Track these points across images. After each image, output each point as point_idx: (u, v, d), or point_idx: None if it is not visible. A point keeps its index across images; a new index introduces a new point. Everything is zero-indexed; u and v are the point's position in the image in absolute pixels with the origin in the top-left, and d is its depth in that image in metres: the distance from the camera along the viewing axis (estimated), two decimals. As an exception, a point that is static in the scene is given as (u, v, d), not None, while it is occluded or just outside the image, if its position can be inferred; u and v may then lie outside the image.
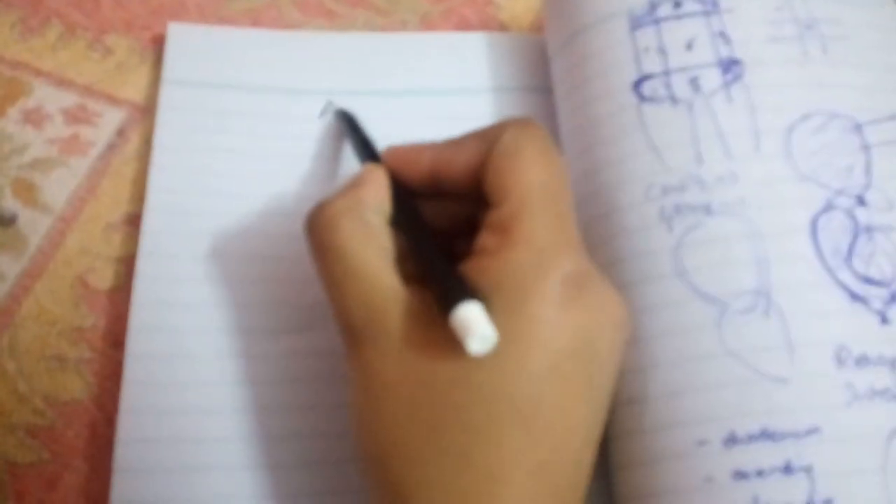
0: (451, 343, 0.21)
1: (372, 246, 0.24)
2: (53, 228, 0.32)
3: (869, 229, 0.26)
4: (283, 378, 0.29)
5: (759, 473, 0.24)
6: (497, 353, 0.20)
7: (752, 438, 0.24)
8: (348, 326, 0.24)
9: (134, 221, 0.32)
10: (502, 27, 0.39)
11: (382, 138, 0.33)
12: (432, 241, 0.24)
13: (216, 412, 0.28)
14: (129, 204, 0.32)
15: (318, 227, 0.25)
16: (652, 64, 0.29)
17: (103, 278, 0.31)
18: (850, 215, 0.27)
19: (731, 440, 0.24)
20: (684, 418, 0.25)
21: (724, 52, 0.29)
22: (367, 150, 0.29)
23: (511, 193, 0.23)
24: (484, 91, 0.36)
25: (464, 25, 0.39)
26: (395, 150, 0.27)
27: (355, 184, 0.26)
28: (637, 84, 0.29)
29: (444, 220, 0.27)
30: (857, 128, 0.28)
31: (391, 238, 0.25)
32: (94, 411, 0.29)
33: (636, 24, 0.30)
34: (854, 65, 0.29)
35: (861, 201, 0.27)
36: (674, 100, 0.28)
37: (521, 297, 0.21)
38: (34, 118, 0.34)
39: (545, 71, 0.35)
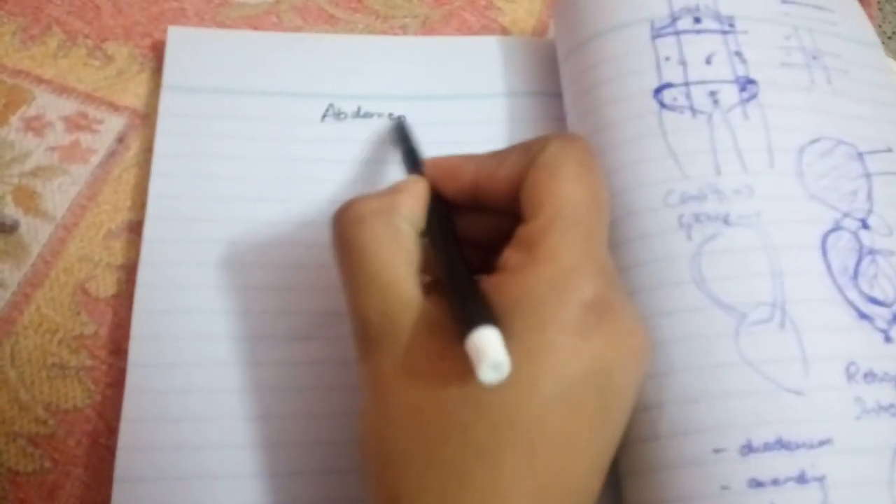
0: (463, 362, 0.20)
1: (397, 251, 0.23)
2: (54, 236, 0.32)
3: (872, 252, 0.27)
4: (285, 386, 0.29)
5: (775, 482, 0.24)
6: (510, 376, 0.20)
7: (767, 447, 0.24)
8: (362, 330, 0.23)
9: (135, 228, 0.32)
10: (504, 31, 0.39)
11: (382, 141, 0.33)
12: (460, 259, 0.24)
13: (218, 420, 0.28)
14: (130, 211, 0.32)
15: (346, 222, 0.24)
16: (673, 73, 0.29)
17: (104, 286, 0.31)
18: (856, 237, 0.27)
19: (748, 448, 0.24)
20: (701, 425, 0.25)
21: (741, 70, 0.29)
22: (413, 161, 0.29)
23: (544, 208, 0.23)
24: (491, 95, 0.35)
25: (465, 29, 0.39)
26: (437, 161, 0.27)
27: (393, 190, 0.25)
28: (658, 91, 0.29)
29: (485, 232, 0.26)
30: (859, 156, 0.29)
31: (418, 248, 0.24)
32: (96, 420, 0.29)
33: (657, 33, 0.30)
34: (853, 97, 0.30)
35: (865, 225, 0.28)
36: (694, 110, 0.29)
37: (538, 320, 0.21)
38: (35, 126, 0.34)
39: (552, 74, 0.35)
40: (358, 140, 0.34)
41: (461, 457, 0.20)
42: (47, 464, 0.28)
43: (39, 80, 0.35)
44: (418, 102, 0.35)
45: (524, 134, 0.34)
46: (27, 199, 0.32)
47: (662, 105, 0.29)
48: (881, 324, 0.26)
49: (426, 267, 0.24)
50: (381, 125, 0.34)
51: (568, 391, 0.21)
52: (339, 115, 0.34)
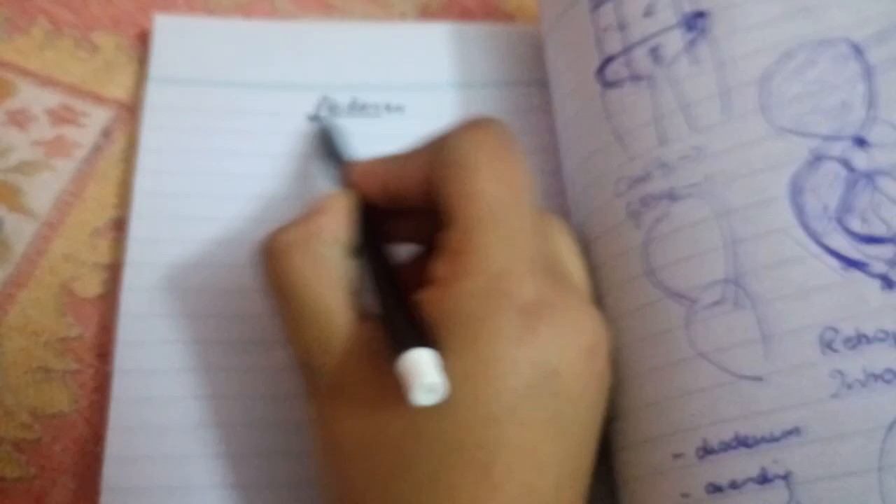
0: (402, 389, 0.19)
1: (324, 281, 0.22)
2: (38, 235, 0.31)
3: (870, 176, 0.23)
4: (276, 393, 0.28)
5: (733, 485, 0.22)
6: (448, 399, 0.19)
7: (725, 447, 0.22)
8: (304, 367, 0.22)
9: (121, 226, 0.31)
10: (509, 18, 0.38)
11: (379, 137, 0.32)
12: (389, 276, 0.23)
13: (207, 428, 0.27)
14: (116, 208, 0.31)
15: (270, 255, 0.23)
16: (613, 44, 0.27)
17: (89, 286, 0.30)
18: (845, 163, 0.23)
19: (704, 450, 0.22)
20: (660, 431, 0.23)
21: (688, 6, 0.26)
22: (340, 168, 0.27)
23: (459, 213, 0.21)
24: (486, 85, 0.34)
25: (466, 17, 0.38)
26: (357, 167, 0.25)
27: (313, 211, 0.24)
28: (600, 69, 0.27)
29: (424, 234, 0.25)
30: (856, 50, 0.24)
31: (349, 271, 0.23)
32: (81, 425, 0.28)
33: (596, 3, 0.28)
34: None
35: (860, 142, 0.23)
36: (634, 78, 0.26)
37: (472, 334, 0.20)
38: (19, 119, 0.33)
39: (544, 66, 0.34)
40: (353, 134, 0.32)
41: (414, 493, 0.19)
42: (33, 470, 0.27)
43: (24, 72, 0.34)
44: (415, 92, 0.34)
45: (521, 124, 0.33)
46: (11, 195, 0.31)
47: (605, 84, 0.27)
48: (879, 267, 0.22)
49: (363, 288, 0.23)
50: (376, 118, 0.33)
51: (514, 405, 0.20)
52: (332, 108, 0.33)
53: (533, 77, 0.34)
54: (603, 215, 0.26)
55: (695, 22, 0.26)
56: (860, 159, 0.23)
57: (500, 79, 0.34)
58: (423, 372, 0.19)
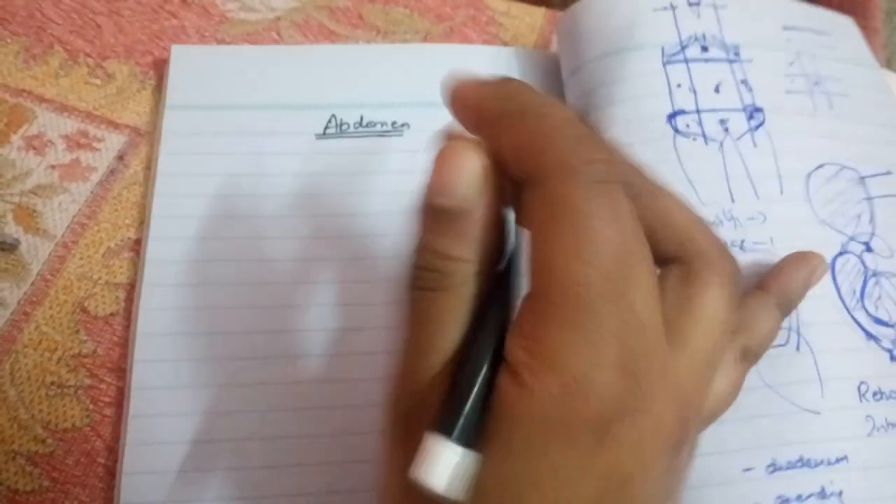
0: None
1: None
2: (54, 255, 0.31)
3: (876, 274, 0.28)
4: (291, 407, 0.28)
5: (799, 498, 0.25)
6: None
7: (791, 465, 0.25)
8: (389, 404, 0.20)
9: (133, 247, 0.32)
10: (505, 46, 0.39)
11: (385, 152, 0.33)
12: (497, 343, 0.19)
13: (220, 443, 0.28)
14: (130, 229, 0.32)
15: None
16: (685, 100, 0.30)
17: (103, 304, 0.31)
18: (861, 260, 0.28)
19: (774, 467, 0.25)
20: (730, 446, 0.26)
21: (748, 98, 0.31)
22: None
23: (554, 277, 0.18)
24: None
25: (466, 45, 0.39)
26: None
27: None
28: (671, 117, 0.30)
29: None
30: (861, 180, 0.30)
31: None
32: (94, 439, 0.28)
33: (668, 59, 0.31)
34: (855, 120, 0.31)
35: (868, 248, 0.29)
36: (706, 137, 0.30)
37: (545, 439, 0.18)
38: (36, 144, 0.34)
39: (555, 87, 0.34)
40: (361, 151, 0.33)
41: None
42: (46, 483, 0.28)
43: (41, 100, 0.35)
44: (421, 110, 0.34)
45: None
46: (28, 217, 0.32)
47: (676, 131, 0.30)
48: (887, 344, 0.27)
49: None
50: (383, 135, 0.34)
51: None
52: (341, 126, 0.34)
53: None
54: None
55: (754, 113, 0.30)
56: (870, 260, 0.29)
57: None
58: (437, 471, 0.17)
